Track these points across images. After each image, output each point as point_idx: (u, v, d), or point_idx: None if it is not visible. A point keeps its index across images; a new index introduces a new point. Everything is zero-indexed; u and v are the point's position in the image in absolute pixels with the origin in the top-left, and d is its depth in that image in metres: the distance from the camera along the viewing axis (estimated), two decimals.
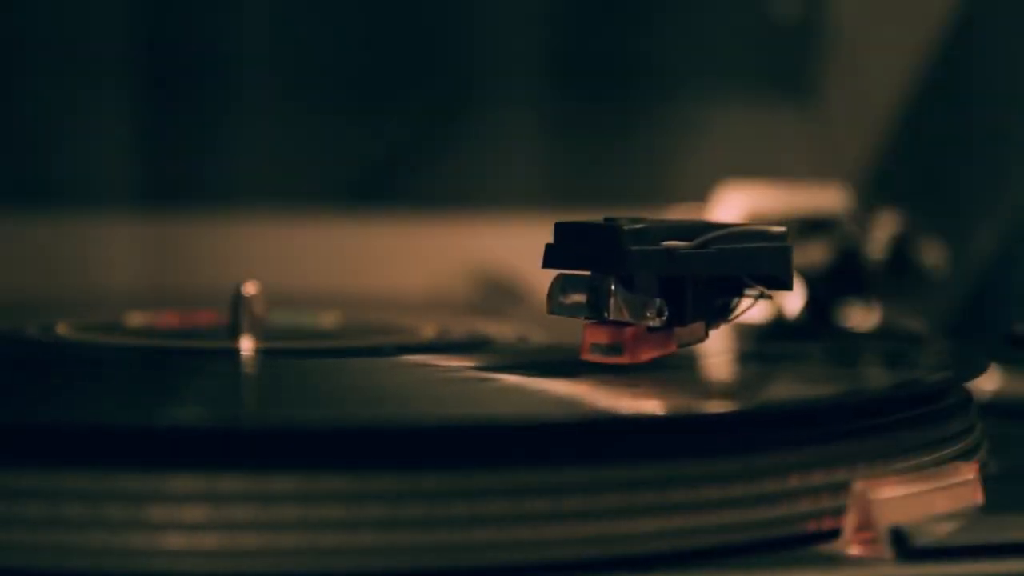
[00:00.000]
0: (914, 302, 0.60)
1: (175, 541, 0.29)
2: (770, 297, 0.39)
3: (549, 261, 0.37)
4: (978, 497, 0.34)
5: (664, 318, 0.37)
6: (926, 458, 0.35)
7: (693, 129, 0.75)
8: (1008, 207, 0.66)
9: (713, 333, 0.39)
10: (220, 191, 0.72)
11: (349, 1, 0.74)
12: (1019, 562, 0.31)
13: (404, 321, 0.50)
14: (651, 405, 0.34)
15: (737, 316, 0.39)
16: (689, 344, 0.39)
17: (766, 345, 0.49)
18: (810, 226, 0.58)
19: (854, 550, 0.32)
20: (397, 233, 0.73)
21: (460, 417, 0.32)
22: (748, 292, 0.39)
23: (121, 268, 0.71)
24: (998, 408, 0.48)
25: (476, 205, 0.74)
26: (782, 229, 0.38)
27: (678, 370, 0.38)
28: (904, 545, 0.31)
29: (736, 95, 0.76)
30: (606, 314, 0.36)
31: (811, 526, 0.32)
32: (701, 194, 0.66)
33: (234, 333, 0.44)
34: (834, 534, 0.32)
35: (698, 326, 0.38)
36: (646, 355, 0.37)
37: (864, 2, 0.76)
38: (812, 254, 0.57)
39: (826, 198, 0.61)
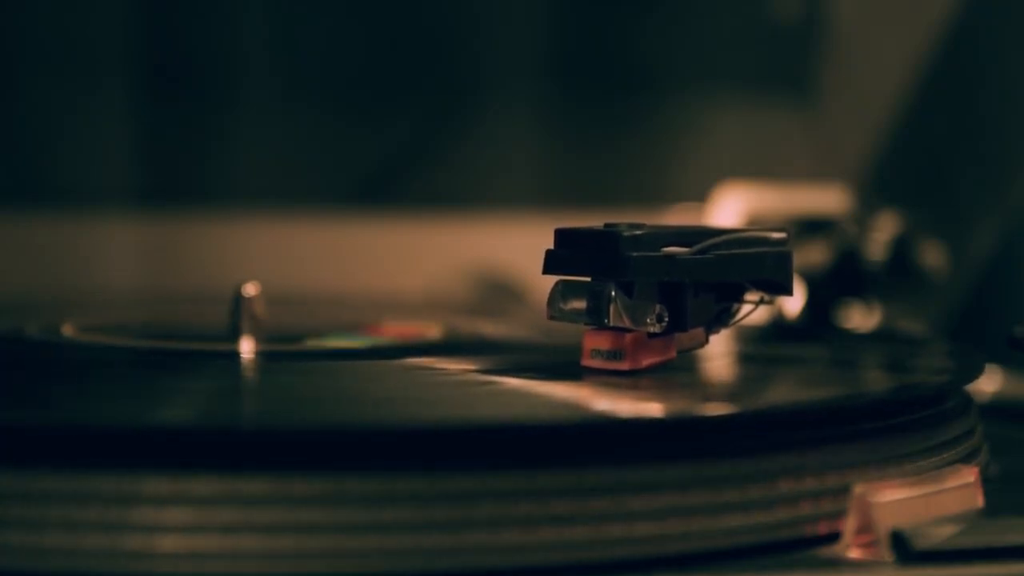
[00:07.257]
0: (914, 303, 0.60)
1: (168, 544, 0.29)
2: (771, 302, 0.39)
3: (549, 267, 0.37)
4: (979, 500, 0.34)
5: (664, 324, 0.37)
6: (926, 461, 0.35)
7: (693, 129, 0.75)
8: (1008, 207, 0.66)
9: (713, 337, 0.39)
10: (220, 191, 0.72)
11: (350, 1, 0.74)
12: (1020, 565, 0.31)
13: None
14: (650, 408, 0.34)
15: (737, 321, 0.39)
16: (689, 350, 0.39)
17: (765, 347, 0.49)
18: (810, 227, 0.58)
19: (854, 553, 0.32)
20: (397, 233, 0.73)
21: (454, 420, 0.33)
22: (748, 297, 0.39)
23: (121, 268, 0.71)
24: (999, 410, 0.48)
25: (476, 205, 0.74)
26: (782, 235, 0.38)
27: (677, 373, 0.38)
28: (904, 548, 0.31)
29: (736, 95, 0.76)
30: (606, 320, 0.36)
31: (811, 529, 0.32)
32: (701, 195, 0.66)
33: (234, 334, 0.44)
34: (834, 537, 0.32)
35: (698, 332, 0.38)
36: (646, 361, 0.37)
37: (863, 2, 0.76)
38: (812, 255, 0.57)
39: (826, 199, 0.61)
